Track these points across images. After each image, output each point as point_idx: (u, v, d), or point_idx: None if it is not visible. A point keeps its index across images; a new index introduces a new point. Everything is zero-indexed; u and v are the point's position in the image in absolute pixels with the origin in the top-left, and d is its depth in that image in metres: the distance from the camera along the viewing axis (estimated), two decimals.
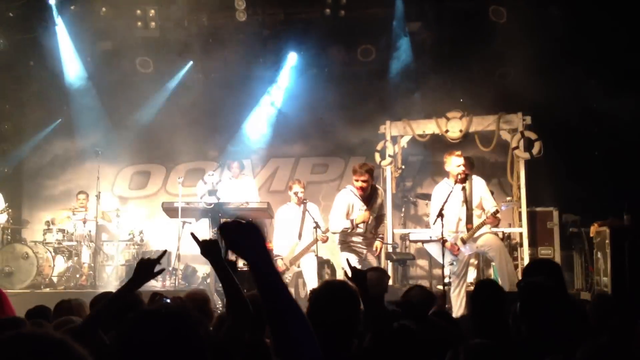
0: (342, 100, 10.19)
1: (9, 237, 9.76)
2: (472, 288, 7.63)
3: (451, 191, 7.09)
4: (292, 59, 10.55)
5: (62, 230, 9.73)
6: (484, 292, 4.05)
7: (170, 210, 9.12)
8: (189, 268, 9.90)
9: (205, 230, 9.11)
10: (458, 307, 7.01)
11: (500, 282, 6.95)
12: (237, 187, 9.81)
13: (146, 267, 3.01)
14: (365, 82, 10.36)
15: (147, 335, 1.88)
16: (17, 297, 7.18)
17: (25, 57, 10.67)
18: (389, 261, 8.49)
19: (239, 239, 1.86)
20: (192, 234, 3.04)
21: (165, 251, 3.03)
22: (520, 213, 8.79)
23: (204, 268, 9.57)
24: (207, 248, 2.87)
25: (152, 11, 9.94)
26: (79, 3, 9.73)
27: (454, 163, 7.24)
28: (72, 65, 10.73)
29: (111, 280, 9.52)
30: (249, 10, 9.71)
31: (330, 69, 10.48)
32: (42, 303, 4.73)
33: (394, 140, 9.36)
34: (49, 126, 11.43)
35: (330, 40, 10.25)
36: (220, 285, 3.13)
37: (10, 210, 9.04)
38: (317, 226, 7.86)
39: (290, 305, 1.81)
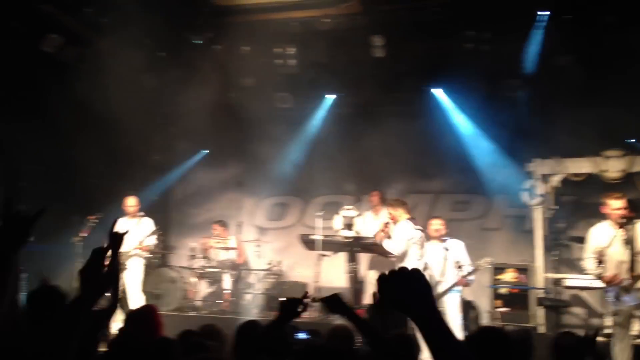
0: (486, 135, 9.91)
1: (157, 261, 10.28)
2: (638, 341, 6.99)
3: (614, 235, 6.56)
4: (435, 94, 10.45)
5: (206, 257, 10.11)
6: None
7: (307, 243, 9.22)
8: None
9: (342, 263, 9.12)
10: None
11: None
12: (377, 221, 9.74)
13: (289, 307, 3.23)
14: (510, 117, 9.95)
15: None
16: (165, 319, 7.46)
17: (174, 94, 11.27)
18: (542, 306, 7.99)
19: (403, 294, 1.66)
20: (322, 299, 3.21)
21: (306, 293, 3.31)
22: None
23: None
24: (332, 304, 3.02)
25: (292, 49, 10.18)
26: (222, 42, 10.17)
27: (613, 206, 6.74)
28: (215, 101, 11.19)
29: (251, 307, 9.70)
30: (386, 46, 9.68)
31: (472, 104, 10.20)
32: (189, 326, 4.93)
33: (544, 178, 8.87)
34: (194, 158, 12.02)
35: (472, 74, 9.99)
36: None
37: (161, 232, 9.52)
38: (459, 265, 7.59)
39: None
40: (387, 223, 8.15)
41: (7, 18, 8.06)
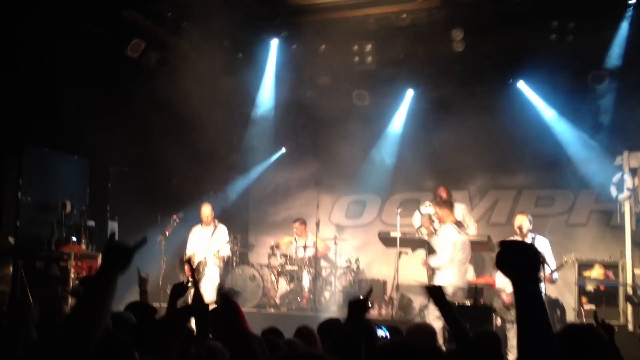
0: (570, 128, 9.52)
1: (237, 259, 10.48)
2: None
3: None
4: (518, 87, 10.14)
5: (285, 255, 10.24)
6: None
7: (386, 240, 9.17)
8: (405, 298, 9.79)
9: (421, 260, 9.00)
10: None
11: None
12: None
13: (356, 307, 3.29)
14: (596, 109, 9.54)
15: None
16: (246, 316, 7.59)
17: (251, 93, 11.38)
18: (629, 303, 7.63)
19: (516, 260, 1.81)
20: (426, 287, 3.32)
21: (371, 290, 3.40)
22: None
23: (420, 299, 9.41)
24: (434, 293, 3.20)
25: (369, 46, 10.10)
26: (299, 41, 10.21)
27: None
28: (292, 100, 11.29)
29: (329, 305, 9.74)
30: (466, 40, 9.44)
31: (557, 96, 9.83)
32: (270, 323, 4.97)
33: (633, 172, 8.46)
34: (272, 157, 12.17)
35: (557, 66, 9.62)
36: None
37: (236, 238, 9.77)
38: (543, 262, 7.33)
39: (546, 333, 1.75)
40: (432, 220, 8.17)
41: (92, 24, 8.40)
